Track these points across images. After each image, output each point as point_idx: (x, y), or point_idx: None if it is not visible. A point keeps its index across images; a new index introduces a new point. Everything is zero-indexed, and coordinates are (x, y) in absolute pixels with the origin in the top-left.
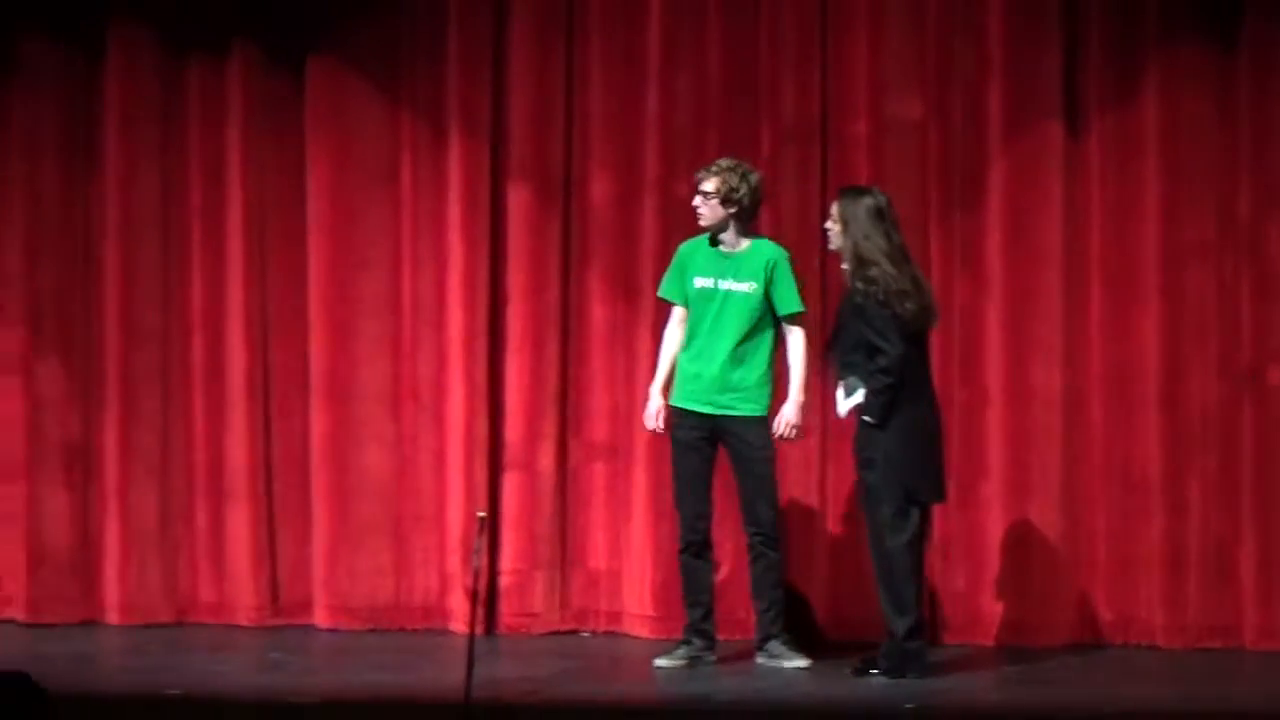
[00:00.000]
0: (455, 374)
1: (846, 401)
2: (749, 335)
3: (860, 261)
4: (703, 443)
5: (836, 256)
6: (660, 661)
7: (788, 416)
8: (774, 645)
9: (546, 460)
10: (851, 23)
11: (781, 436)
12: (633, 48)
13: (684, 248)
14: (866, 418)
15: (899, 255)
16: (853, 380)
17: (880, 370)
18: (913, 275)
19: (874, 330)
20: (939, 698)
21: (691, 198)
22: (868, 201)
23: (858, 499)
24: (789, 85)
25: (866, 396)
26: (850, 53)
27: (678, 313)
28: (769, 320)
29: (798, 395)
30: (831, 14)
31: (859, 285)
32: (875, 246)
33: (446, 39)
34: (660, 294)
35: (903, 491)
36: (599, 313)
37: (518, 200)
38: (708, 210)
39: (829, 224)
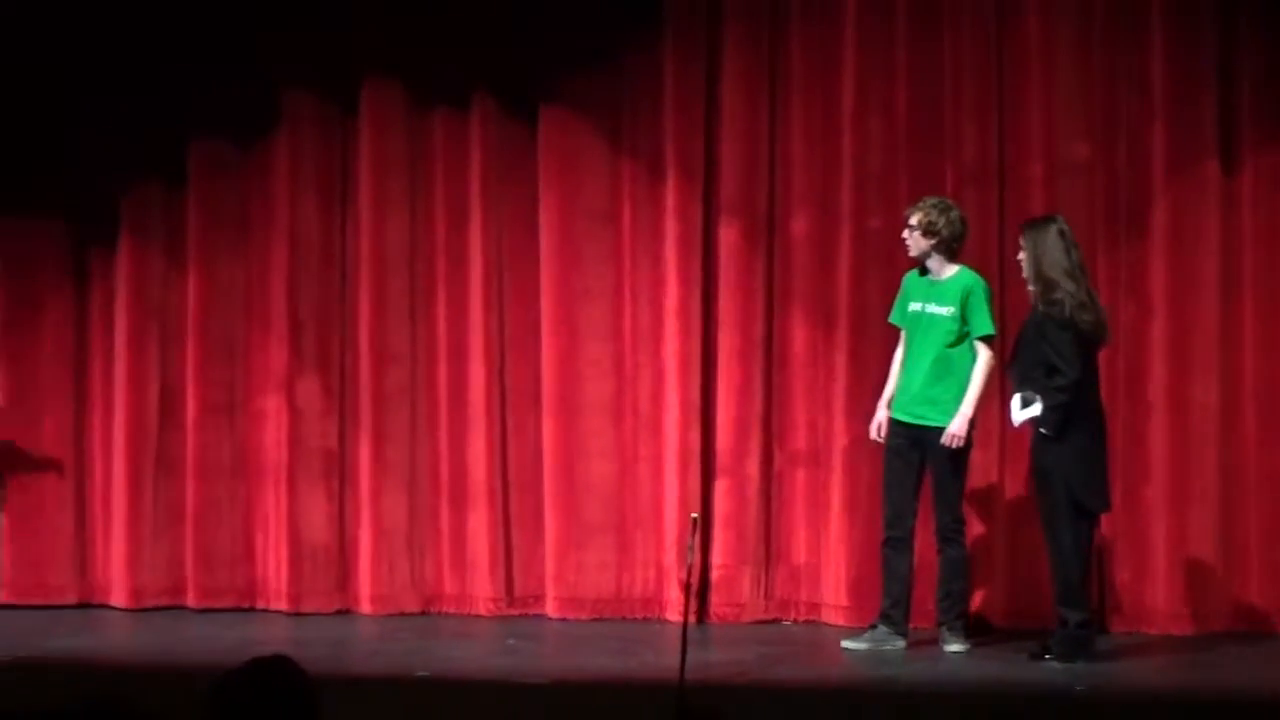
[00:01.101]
0: (671, 392)
1: (1022, 413)
2: (946, 354)
3: (1046, 284)
4: (907, 449)
5: (1015, 287)
6: (846, 643)
7: (951, 428)
8: (942, 630)
9: (753, 468)
10: (1026, 74)
11: (944, 445)
12: (829, 98)
13: (906, 277)
14: (1042, 430)
15: (1077, 272)
16: (1029, 393)
17: (1058, 389)
18: (1089, 290)
19: (1055, 351)
20: (1107, 681)
21: (885, 233)
22: (1050, 227)
23: (1033, 501)
24: (970, 131)
25: (1044, 411)
26: (1025, 101)
27: (904, 335)
28: (967, 342)
29: (965, 409)
30: (1007, 66)
31: (1042, 308)
32: (1056, 264)
33: (663, 92)
34: (889, 319)
35: (1073, 500)
36: (799, 337)
37: (727, 236)
38: (913, 242)
39: (1020, 255)
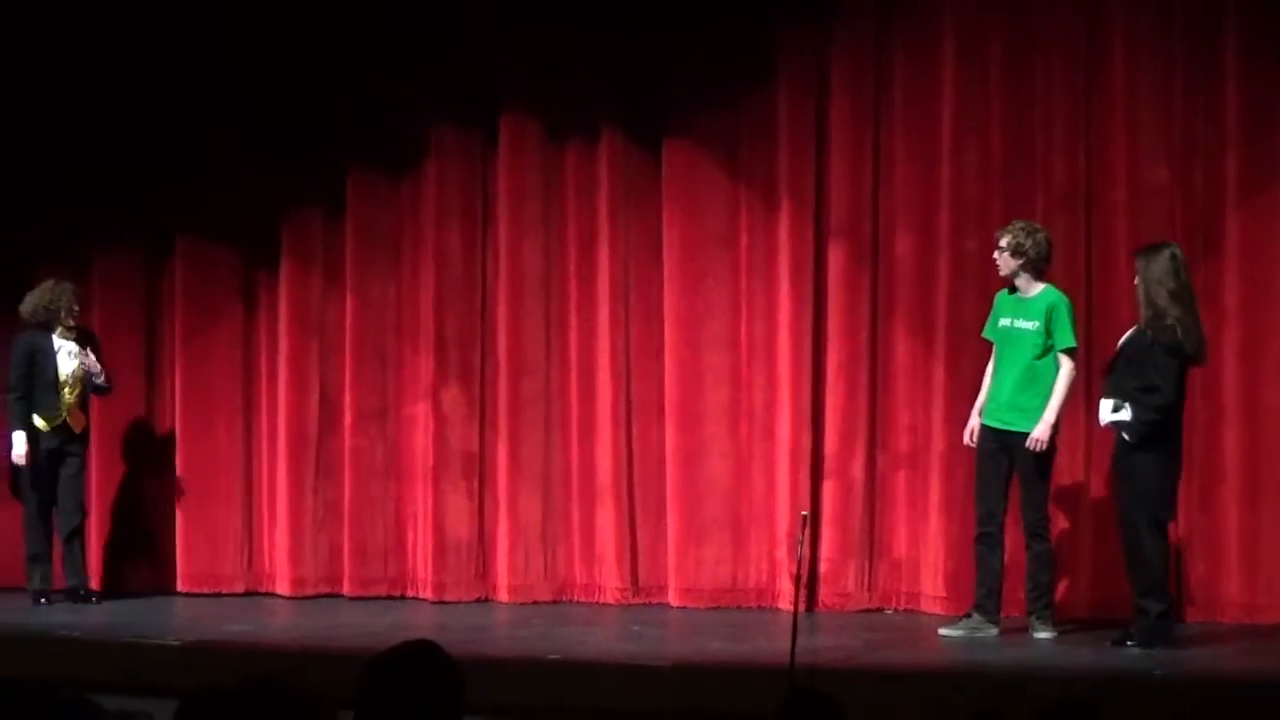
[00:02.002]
0: (784, 400)
1: (1111, 415)
2: (1033, 365)
3: (1156, 313)
4: (997, 452)
5: (1101, 303)
6: (943, 630)
7: (1035, 433)
8: (1031, 619)
9: (858, 469)
10: (1110, 106)
11: (1029, 449)
12: (929, 131)
13: (997, 295)
14: (1125, 435)
15: (1185, 293)
16: (1120, 400)
17: (1153, 407)
18: (1194, 311)
19: (1159, 373)
20: (1184, 666)
21: (979, 255)
22: (1163, 253)
23: (1114, 501)
24: (1058, 160)
25: (1133, 420)
26: (1109, 132)
27: (994, 348)
28: (1051, 354)
29: (1049, 416)
30: (1094, 99)
31: (1152, 334)
32: (1165, 289)
33: (777, 127)
34: (983, 334)
35: (1148, 509)
36: (901, 349)
37: (835, 258)
38: (1002, 262)
39: (1137, 280)
